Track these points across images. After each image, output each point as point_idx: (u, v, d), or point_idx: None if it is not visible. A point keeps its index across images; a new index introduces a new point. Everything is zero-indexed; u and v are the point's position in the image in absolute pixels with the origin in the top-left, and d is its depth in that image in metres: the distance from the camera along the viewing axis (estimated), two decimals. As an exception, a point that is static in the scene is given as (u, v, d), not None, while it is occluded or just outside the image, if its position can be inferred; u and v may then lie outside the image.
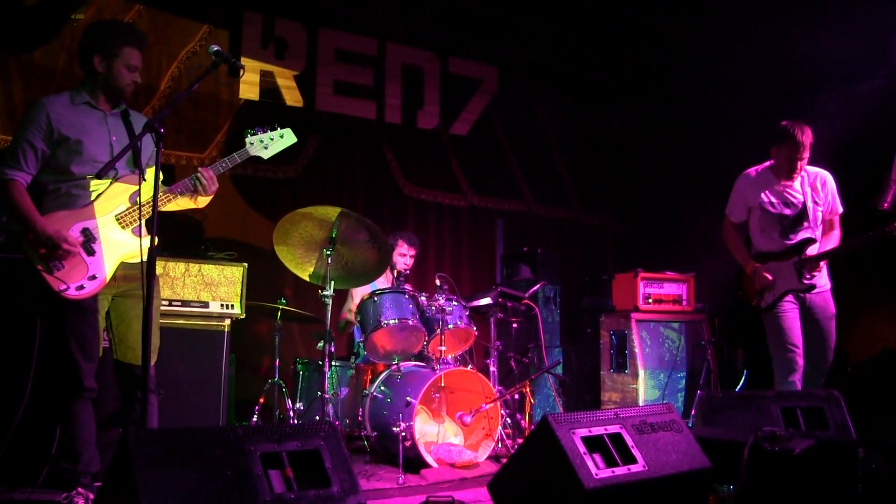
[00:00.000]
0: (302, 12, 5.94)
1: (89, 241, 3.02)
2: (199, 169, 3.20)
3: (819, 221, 4.33)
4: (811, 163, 4.32)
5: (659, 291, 5.73)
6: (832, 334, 4.21)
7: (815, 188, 4.32)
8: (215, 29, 5.59)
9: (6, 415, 3.44)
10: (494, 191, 6.93)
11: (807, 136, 4.16)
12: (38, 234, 2.92)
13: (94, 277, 3.00)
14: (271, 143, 3.41)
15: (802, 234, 4.28)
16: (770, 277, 4.24)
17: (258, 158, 3.38)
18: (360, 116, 6.18)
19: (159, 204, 3.12)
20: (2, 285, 3.67)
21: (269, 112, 5.66)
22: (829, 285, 4.29)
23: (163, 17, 5.39)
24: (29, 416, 3.51)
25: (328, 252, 4.15)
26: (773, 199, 4.31)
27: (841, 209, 4.37)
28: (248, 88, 5.68)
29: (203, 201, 3.31)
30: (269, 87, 5.77)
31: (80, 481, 3.04)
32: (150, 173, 3.21)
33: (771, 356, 4.26)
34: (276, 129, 3.43)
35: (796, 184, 4.31)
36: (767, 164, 4.40)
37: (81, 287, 2.97)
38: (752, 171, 4.45)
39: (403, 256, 5.36)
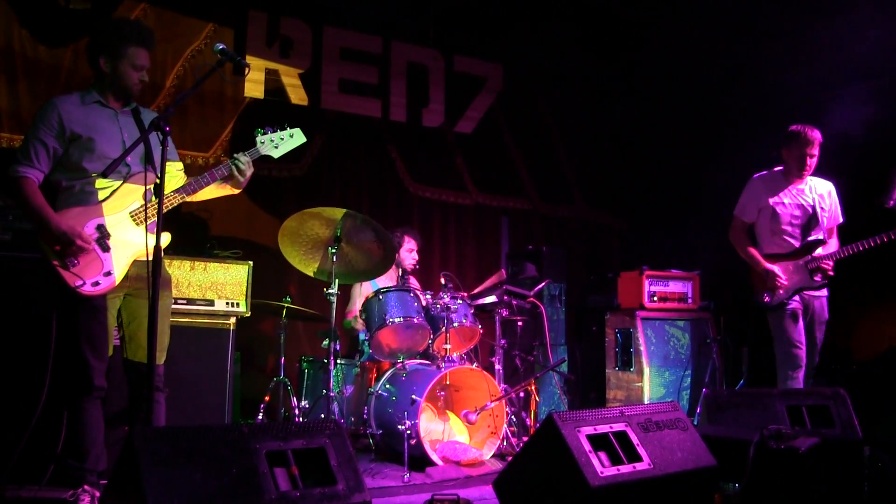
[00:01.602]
0: (307, 11, 5.94)
1: (104, 237, 3.03)
2: (236, 155, 3.23)
3: (824, 227, 4.49)
4: (819, 167, 4.48)
5: (664, 289, 5.72)
6: (821, 340, 4.44)
7: (822, 196, 4.51)
8: (220, 27, 5.59)
9: (18, 413, 3.44)
10: (499, 189, 6.92)
11: (816, 135, 4.35)
12: (52, 230, 2.93)
13: (108, 274, 3.02)
14: (281, 142, 3.43)
15: (812, 237, 4.44)
16: (783, 276, 4.36)
17: (268, 158, 3.41)
18: (364, 115, 6.19)
19: (193, 194, 3.17)
20: (9, 284, 3.67)
21: (274, 111, 5.67)
22: (826, 292, 4.48)
23: (168, 15, 5.40)
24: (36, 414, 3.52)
25: (333, 250, 4.16)
26: (785, 201, 4.47)
27: (842, 219, 4.56)
28: (254, 87, 5.69)
29: (236, 189, 3.35)
30: (274, 85, 5.78)
31: (86, 479, 3.05)
32: (174, 166, 3.24)
33: (776, 352, 4.40)
34: (285, 129, 3.46)
35: (806, 188, 4.49)
36: (777, 168, 4.55)
37: (97, 283, 2.98)
38: (763, 174, 4.60)
39: (411, 252, 5.37)
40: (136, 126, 3.15)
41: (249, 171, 3.28)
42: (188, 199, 3.20)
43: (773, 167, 4.61)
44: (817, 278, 4.34)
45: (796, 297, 4.37)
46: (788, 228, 4.46)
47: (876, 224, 4.23)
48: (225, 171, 3.21)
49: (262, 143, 3.39)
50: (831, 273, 4.34)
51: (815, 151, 4.37)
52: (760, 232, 4.58)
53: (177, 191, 3.16)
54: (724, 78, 6.50)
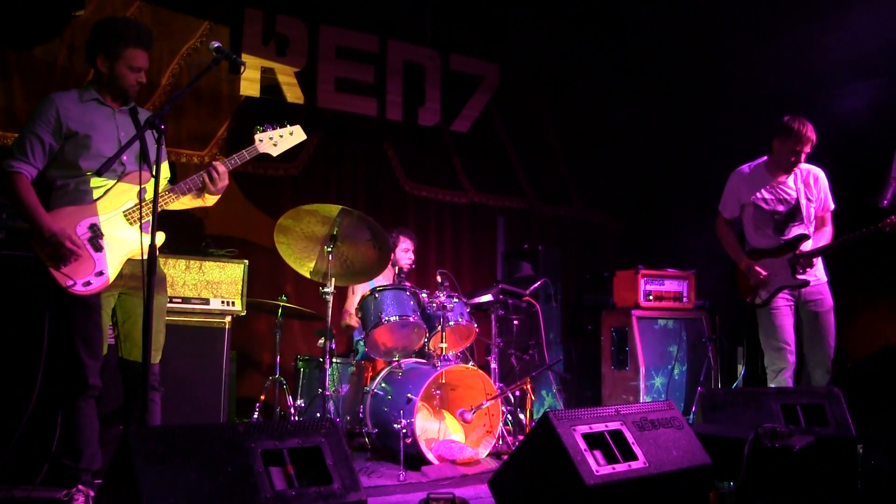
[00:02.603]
0: (303, 9, 5.93)
1: (97, 237, 3.02)
2: (213, 163, 3.20)
3: (812, 218, 4.40)
4: (807, 159, 4.37)
5: (660, 288, 5.73)
6: (830, 327, 4.25)
7: (808, 185, 4.38)
8: (216, 25, 5.58)
9: (10, 412, 3.43)
10: (495, 188, 6.93)
11: (810, 131, 4.21)
12: (41, 231, 2.91)
13: (100, 273, 3.00)
14: (280, 140, 3.41)
15: (796, 231, 4.34)
16: (764, 273, 4.28)
17: (267, 156, 3.39)
18: (361, 113, 6.18)
19: (168, 201, 3.14)
20: (3, 282, 3.66)
21: (269, 109, 5.66)
22: (825, 279, 4.34)
23: (163, 13, 5.37)
24: (30, 413, 3.51)
25: (329, 249, 4.15)
26: (766, 196, 4.37)
27: (833, 206, 4.43)
28: (249, 85, 5.68)
29: (211, 200, 3.31)
30: (269, 83, 5.76)
31: (81, 478, 3.03)
32: (162, 169, 3.22)
33: (763, 351, 4.35)
34: (285, 126, 3.43)
35: (790, 180, 4.37)
36: (761, 160, 4.46)
37: (88, 283, 2.97)
38: (745, 167, 4.51)
39: (406, 252, 5.36)
40: (134, 125, 3.14)
41: (223, 183, 3.21)
42: (166, 207, 3.17)
43: (757, 157, 4.50)
44: (799, 276, 4.23)
45: (783, 294, 4.28)
46: (771, 224, 4.37)
47: (868, 224, 4.23)
48: (199, 182, 3.17)
49: (261, 140, 3.37)
50: (811, 268, 4.21)
51: (808, 149, 4.26)
52: (745, 227, 4.51)
53: (168, 191, 3.15)
54: (721, 77, 6.51)
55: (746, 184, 4.44)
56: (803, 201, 4.34)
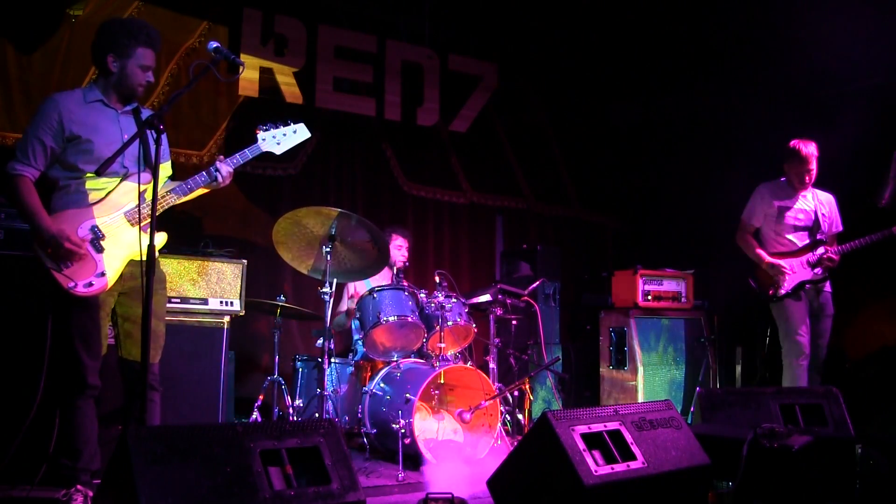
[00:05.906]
0: (302, 9, 5.93)
1: (98, 238, 3.02)
2: (217, 164, 3.20)
3: (826, 232, 4.76)
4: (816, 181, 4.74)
5: (658, 288, 5.72)
6: (828, 332, 4.68)
7: (822, 204, 4.80)
8: (214, 25, 5.58)
9: (8, 413, 3.43)
10: (494, 188, 6.93)
11: (812, 151, 4.64)
12: (42, 233, 2.92)
13: (102, 275, 3.00)
14: (284, 138, 3.40)
15: (814, 238, 4.72)
16: (787, 266, 4.63)
17: (269, 154, 3.37)
18: (359, 113, 6.18)
19: (171, 201, 3.14)
20: (2, 282, 3.65)
21: (268, 109, 5.65)
22: (830, 287, 4.70)
23: (162, 12, 5.37)
24: (28, 413, 3.50)
25: (328, 250, 4.15)
26: (790, 208, 4.76)
27: (841, 228, 4.83)
28: (248, 85, 5.67)
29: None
30: (268, 84, 5.76)
31: (79, 478, 3.03)
32: (162, 170, 3.22)
33: (781, 343, 4.65)
34: (288, 125, 3.41)
35: (808, 195, 4.78)
36: (781, 178, 4.83)
37: (90, 284, 2.97)
38: (768, 183, 4.88)
39: (400, 249, 5.37)
40: (137, 127, 3.13)
41: (229, 180, 3.27)
42: (176, 202, 3.19)
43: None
44: (818, 271, 4.59)
45: (800, 292, 4.61)
46: (792, 231, 4.73)
47: (867, 223, 4.28)
48: (208, 179, 3.19)
49: (264, 139, 3.36)
50: (835, 261, 4.54)
51: (813, 166, 4.65)
52: (765, 234, 4.84)
53: (171, 191, 3.15)
54: (719, 77, 6.51)
55: (772, 195, 4.81)
56: (820, 216, 4.75)
